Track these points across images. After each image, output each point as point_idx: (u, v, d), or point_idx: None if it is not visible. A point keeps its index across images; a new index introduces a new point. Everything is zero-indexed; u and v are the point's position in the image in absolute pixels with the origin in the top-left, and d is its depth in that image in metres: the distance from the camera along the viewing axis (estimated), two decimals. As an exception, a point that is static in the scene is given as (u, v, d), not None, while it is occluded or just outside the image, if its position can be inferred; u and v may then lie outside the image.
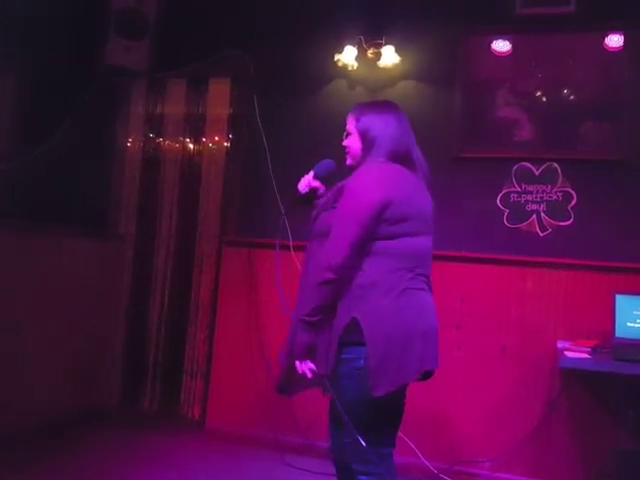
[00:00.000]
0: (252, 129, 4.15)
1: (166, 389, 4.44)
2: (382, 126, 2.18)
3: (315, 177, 2.36)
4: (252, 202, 4.18)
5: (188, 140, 4.52)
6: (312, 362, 2.06)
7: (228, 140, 4.40)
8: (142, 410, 4.41)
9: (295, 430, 3.79)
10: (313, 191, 2.36)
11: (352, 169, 2.22)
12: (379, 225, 2.02)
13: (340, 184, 2.16)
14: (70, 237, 4.10)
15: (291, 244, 3.66)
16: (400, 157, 2.15)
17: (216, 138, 4.43)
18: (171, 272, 4.48)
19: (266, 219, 3.88)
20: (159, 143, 4.59)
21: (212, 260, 4.34)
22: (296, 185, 2.40)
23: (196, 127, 4.48)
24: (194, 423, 4.23)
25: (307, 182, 2.36)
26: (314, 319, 2.02)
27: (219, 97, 4.39)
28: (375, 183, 2.06)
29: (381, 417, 2.06)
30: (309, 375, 2.06)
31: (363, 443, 1.99)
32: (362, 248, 2.02)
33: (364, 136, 2.19)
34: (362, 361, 1.98)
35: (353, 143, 2.24)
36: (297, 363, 2.07)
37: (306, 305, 2.05)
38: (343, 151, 2.28)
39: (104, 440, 3.85)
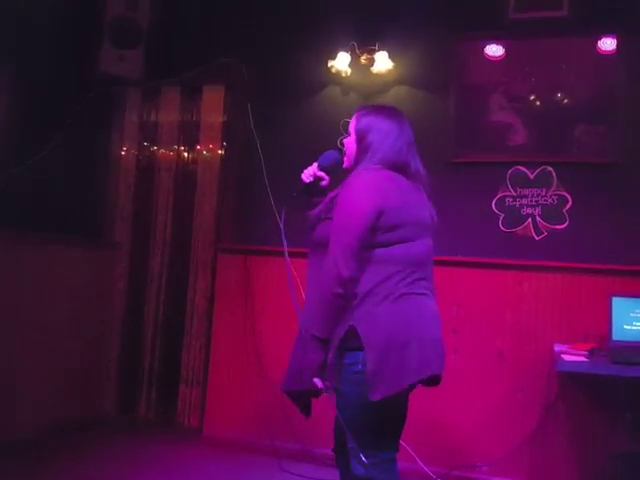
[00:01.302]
0: (246, 136, 4.15)
1: (163, 397, 4.43)
2: (380, 133, 2.13)
3: (320, 169, 2.29)
4: (247, 209, 4.17)
5: (182, 148, 4.53)
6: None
7: (222, 147, 4.41)
8: (139, 418, 4.40)
9: (292, 436, 3.77)
10: (317, 181, 2.29)
11: (347, 172, 2.19)
12: (374, 234, 2.00)
13: (333, 193, 2.12)
14: (65, 245, 4.09)
15: (286, 250, 3.65)
16: (396, 166, 2.11)
17: (210, 145, 4.43)
18: (166, 280, 4.47)
19: (261, 226, 3.88)
20: (153, 151, 4.59)
21: (207, 267, 4.33)
22: (295, 185, 2.34)
23: (190, 135, 4.49)
24: (191, 431, 4.22)
25: (312, 172, 2.29)
26: (325, 335, 1.99)
27: (213, 104, 4.39)
28: (367, 192, 2.02)
29: (381, 421, 2.04)
30: (324, 389, 2.02)
31: (364, 459, 1.98)
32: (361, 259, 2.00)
33: (360, 139, 2.16)
34: (360, 366, 1.97)
35: (350, 144, 2.21)
36: (315, 381, 2.01)
37: (316, 321, 2.00)
38: (338, 146, 2.27)
39: (101, 449, 3.83)
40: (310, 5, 4.07)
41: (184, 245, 4.44)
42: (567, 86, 3.68)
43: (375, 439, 2.04)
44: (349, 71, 3.93)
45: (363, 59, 3.89)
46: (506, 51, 3.79)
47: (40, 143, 3.84)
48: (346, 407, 2.02)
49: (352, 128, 2.21)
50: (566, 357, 3.01)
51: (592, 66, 3.66)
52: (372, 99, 3.91)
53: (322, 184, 2.30)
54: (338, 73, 3.93)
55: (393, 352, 1.95)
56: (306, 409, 2.25)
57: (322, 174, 2.29)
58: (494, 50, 3.80)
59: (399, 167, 2.11)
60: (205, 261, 4.35)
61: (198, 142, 4.47)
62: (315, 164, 2.30)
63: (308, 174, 2.29)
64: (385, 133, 2.14)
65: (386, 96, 3.93)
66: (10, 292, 3.64)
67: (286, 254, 2.21)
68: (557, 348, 3.23)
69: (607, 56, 3.61)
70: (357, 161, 2.15)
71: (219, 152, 4.42)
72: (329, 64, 3.90)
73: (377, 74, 3.88)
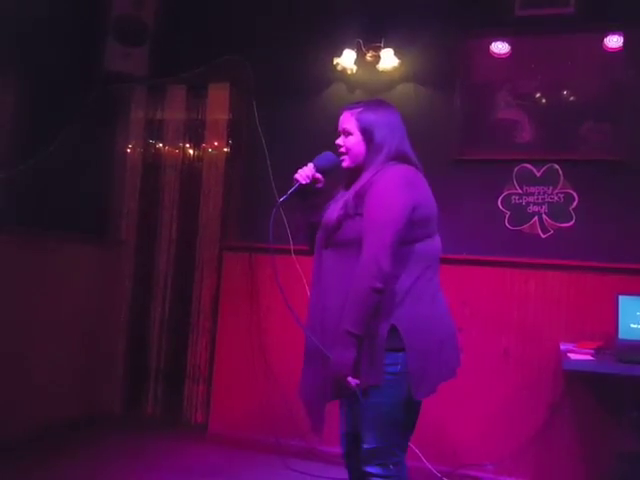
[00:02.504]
0: (252, 134, 4.15)
1: (168, 394, 4.44)
2: (386, 128, 2.13)
3: (316, 170, 2.22)
4: (252, 207, 4.17)
5: (188, 146, 4.52)
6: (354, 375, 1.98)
7: (228, 145, 4.40)
8: (145, 415, 4.40)
9: (297, 434, 3.77)
10: (313, 182, 2.23)
11: (351, 171, 2.16)
12: (410, 229, 2.00)
13: (355, 188, 2.07)
14: (71, 244, 4.10)
15: (292, 247, 3.66)
16: (406, 158, 2.12)
17: (216, 143, 4.42)
18: (172, 277, 4.47)
19: (267, 224, 3.86)
20: (159, 149, 4.59)
21: (213, 265, 4.33)
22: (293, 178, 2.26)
23: (196, 133, 4.48)
24: (197, 428, 4.22)
25: (308, 173, 2.20)
26: (362, 331, 1.94)
27: (219, 102, 4.38)
28: (401, 186, 2.01)
29: (412, 420, 2.10)
30: (358, 389, 1.97)
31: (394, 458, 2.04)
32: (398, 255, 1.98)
33: (369, 138, 2.12)
34: (399, 367, 1.98)
35: (355, 144, 2.15)
36: (350, 380, 1.95)
37: (351, 318, 1.94)
38: (337, 150, 2.19)
39: (107, 445, 3.85)
40: (316, 2, 4.07)
41: (190, 243, 4.44)
42: (573, 83, 3.66)
43: (402, 439, 2.09)
44: (355, 68, 3.92)
45: (369, 56, 3.88)
46: (512, 48, 3.77)
47: (46, 141, 3.85)
48: (379, 407, 2.01)
49: (353, 127, 2.15)
50: (572, 356, 3.00)
51: (598, 63, 3.64)
52: (378, 96, 3.87)
53: (318, 186, 2.24)
54: (344, 70, 3.93)
55: (433, 352, 2.01)
56: (320, 423, 2.14)
57: (319, 176, 2.23)
58: (500, 47, 3.79)
59: (405, 159, 2.12)
60: (211, 259, 4.35)
61: (203, 140, 4.46)
62: (310, 165, 2.22)
63: (304, 175, 2.20)
64: (390, 128, 2.14)
65: (392, 93, 3.92)
66: (16, 290, 3.65)
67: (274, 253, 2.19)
68: (563, 346, 3.22)
69: (614, 53, 3.60)
70: (370, 159, 2.11)
71: (224, 150, 4.41)
72: (335, 61, 3.89)
73: (383, 71, 3.88)
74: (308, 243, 2.32)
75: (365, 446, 2.06)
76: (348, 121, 2.18)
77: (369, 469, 2.07)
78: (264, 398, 3.94)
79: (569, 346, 3.20)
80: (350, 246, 2.02)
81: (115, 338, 4.47)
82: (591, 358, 2.98)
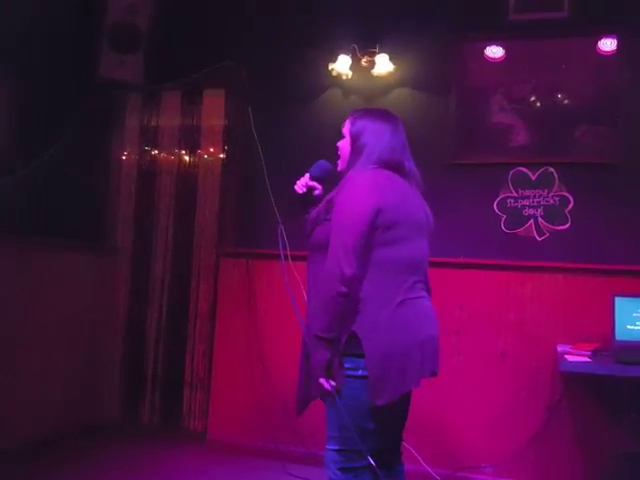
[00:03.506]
0: (247, 140, 4.15)
1: (166, 401, 4.42)
2: (375, 134, 2.15)
3: (311, 179, 2.31)
4: (249, 213, 4.17)
5: (184, 152, 4.52)
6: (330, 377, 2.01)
7: (224, 151, 4.41)
8: (142, 423, 4.39)
9: (296, 440, 3.77)
10: (310, 191, 2.31)
11: (342, 174, 2.20)
12: (373, 232, 2.00)
13: (330, 195, 2.13)
14: (67, 250, 4.09)
15: (289, 254, 3.65)
16: (391, 166, 2.12)
17: (211, 149, 4.43)
18: (169, 284, 4.47)
19: (263, 229, 3.87)
20: (155, 155, 4.59)
21: (210, 271, 4.33)
22: (292, 189, 2.36)
23: (191, 139, 4.49)
24: (195, 435, 4.21)
25: (304, 182, 2.30)
26: (331, 335, 1.97)
27: (214, 108, 4.39)
28: (364, 190, 2.02)
29: (378, 427, 2.04)
30: (331, 391, 2.00)
31: (373, 462, 1.99)
32: (363, 259, 1.99)
33: (354, 141, 2.17)
34: (360, 371, 1.98)
35: (344, 148, 2.23)
36: (322, 381, 1.99)
37: (320, 321, 1.98)
38: (337, 151, 2.27)
39: (105, 454, 3.83)
40: (310, 8, 4.07)
41: (186, 249, 4.43)
42: (568, 87, 3.68)
43: (366, 445, 2.01)
44: (350, 74, 3.93)
45: (364, 61, 3.89)
46: (506, 52, 3.79)
47: (41, 148, 3.84)
48: (340, 410, 2.01)
49: (346, 131, 2.23)
50: (569, 357, 3.02)
51: (593, 67, 3.66)
52: (373, 102, 3.91)
53: (316, 193, 2.33)
54: (339, 76, 3.94)
55: (394, 359, 1.97)
56: (300, 411, 2.21)
57: (314, 184, 2.32)
58: (494, 51, 3.80)
59: (394, 166, 2.13)
60: (207, 265, 4.35)
61: (199, 146, 4.47)
62: (307, 174, 2.32)
63: (301, 185, 2.31)
64: (379, 134, 2.16)
65: (387, 98, 3.94)
66: (12, 296, 3.64)
67: (285, 268, 2.20)
68: (560, 348, 3.23)
69: (607, 57, 3.61)
70: (351, 162, 2.16)
71: (220, 156, 4.42)
72: (330, 67, 3.90)
73: (378, 76, 3.89)
74: None
75: (327, 447, 2.09)
76: (346, 125, 2.25)
77: (328, 472, 2.09)
78: (263, 404, 3.94)
79: (566, 348, 3.21)
80: (320, 250, 2.06)
81: (112, 345, 4.46)
82: (588, 360, 2.99)
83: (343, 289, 1.94)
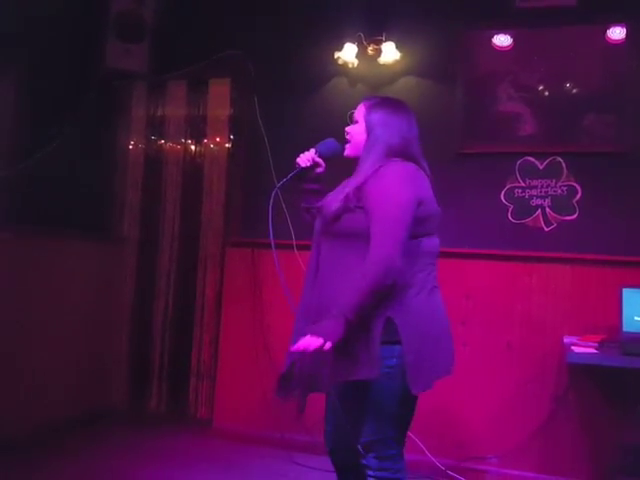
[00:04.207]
0: (253, 129, 4.14)
1: (173, 390, 4.45)
2: (392, 127, 2.13)
3: (318, 155, 2.27)
4: (255, 202, 4.15)
5: (189, 141, 4.52)
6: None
7: (229, 141, 4.39)
8: (149, 411, 4.41)
9: (302, 428, 3.78)
10: (313, 167, 2.27)
11: (349, 160, 2.19)
12: (415, 224, 2.00)
13: (354, 182, 2.07)
14: (73, 240, 4.10)
15: (294, 242, 3.66)
16: (408, 158, 2.11)
17: (217, 139, 4.42)
18: (175, 274, 4.47)
19: (267, 209, 3.86)
20: (161, 145, 4.58)
21: (216, 261, 4.33)
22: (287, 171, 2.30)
23: (197, 128, 4.48)
24: (201, 423, 4.23)
25: (310, 157, 2.26)
26: (357, 320, 1.91)
27: (219, 98, 4.38)
28: (405, 182, 2.02)
29: (409, 414, 2.10)
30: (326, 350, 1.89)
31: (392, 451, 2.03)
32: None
33: (371, 130, 2.14)
34: (395, 360, 1.98)
35: (358, 133, 2.19)
36: (322, 341, 1.85)
37: (352, 303, 1.90)
38: (344, 137, 2.23)
39: (111, 441, 3.87)
40: (316, -4, 4.05)
41: (192, 239, 4.44)
42: (576, 75, 3.64)
43: (398, 432, 2.09)
44: (356, 62, 3.91)
45: (370, 50, 3.87)
46: (514, 40, 3.75)
47: (47, 138, 3.84)
48: (375, 400, 2.02)
49: (361, 117, 2.19)
50: (576, 349, 3.01)
51: (601, 55, 3.61)
52: (379, 90, 3.89)
53: (318, 170, 2.29)
54: (345, 64, 3.91)
55: (430, 346, 2.01)
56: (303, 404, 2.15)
57: (320, 160, 2.27)
58: (502, 40, 3.76)
59: (410, 158, 2.12)
60: (214, 255, 4.35)
61: (205, 135, 4.46)
62: (312, 150, 2.28)
63: (305, 159, 2.26)
64: (396, 127, 2.14)
65: (393, 87, 3.91)
66: (18, 287, 3.66)
67: (273, 241, 2.19)
68: (567, 340, 3.22)
69: (616, 45, 3.57)
70: (367, 151, 2.13)
71: (226, 145, 4.41)
72: (336, 55, 3.87)
73: (384, 65, 3.86)
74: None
75: (362, 439, 2.07)
76: (359, 110, 2.22)
77: (366, 462, 2.08)
78: (268, 393, 3.94)
79: (573, 339, 3.19)
80: (349, 238, 2.04)
81: (119, 335, 4.48)
82: (595, 351, 2.98)
83: (389, 282, 1.92)
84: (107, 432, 4.02)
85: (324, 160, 2.28)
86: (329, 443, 2.28)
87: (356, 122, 2.21)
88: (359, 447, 2.08)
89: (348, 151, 2.23)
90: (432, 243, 2.11)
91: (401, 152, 2.11)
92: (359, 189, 2.04)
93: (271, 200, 2.19)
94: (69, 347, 4.04)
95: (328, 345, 1.85)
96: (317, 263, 2.16)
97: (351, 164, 2.19)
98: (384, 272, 1.91)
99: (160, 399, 4.45)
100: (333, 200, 2.11)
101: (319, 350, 1.85)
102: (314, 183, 2.31)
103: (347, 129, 2.23)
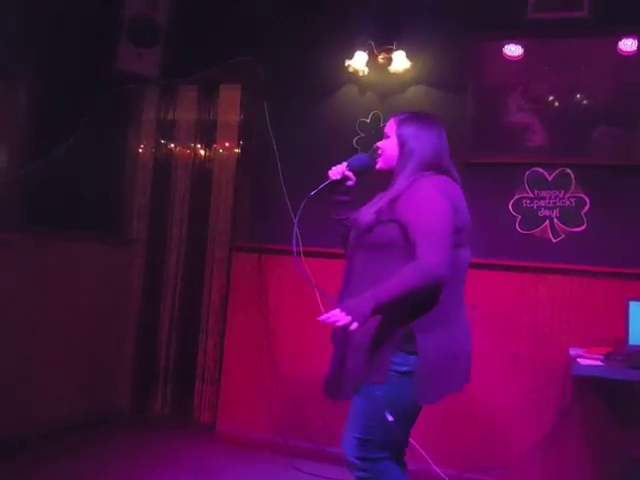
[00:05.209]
0: (263, 135, 4.15)
1: (177, 394, 4.46)
2: (423, 139, 2.18)
3: (349, 169, 2.34)
4: (263, 208, 4.17)
5: (199, 146, 4.54)
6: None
7: (239, 146, 4.41)
8: (153, 415, 4.42)
9: (304, 435, 3.77)
10: (344, 180, 2.34)
11: (383, 173, 2.24)
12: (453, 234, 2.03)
13: (389, 195, 2.10)
14: (82, 242, 4.12)
15: (301, 249, 3.66)
16: (441, 171, 2.15)
17: (227, 144, 4.44)
18: (182, 277, 4.49)
19: (277, 225, 3.88)
20: (170, 149, 4.61)
21: (223, 266, 4.34)
22: (310, 190, 2.33)
23: (207, 133, 4.50)
24: (205, 428, 4.23)
25: (340, 170, 2.32)
26: (382, 310, 1.92)
27: (230, 103, 4.40)
28: (442, 194, 2.05)
29: (407, 423, 2.12)
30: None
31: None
32: None
33: (403, 144, 2.19)
34: (406, 367, 2.00)
35: (389, 147, 2.23)
36: (350, 319, 1.87)
37: (387, 291, 1.91)
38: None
39: (115, 444, 3.86)
40: (327, 4, 4.06)
41: (200, 243, 4.46)
42: (587, 87, 3.63)
43: (390, 440, 2.09)
44: (366, 70, 3.91)
45: (380, 58, 3.87)
46: (525, 51, 3.75)
47: (58, 141, 3.87)
48: (374, 400, 2.04)
49: (392, 132, 2.24)
50: (582, 361, 2.99)
51: (612, 67, 3.61)
52: (389, 99, 3.90)
53: (348, 184, 2.35)
54: (355, 72, 3.92)
55: (445, 363, 2.03)
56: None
57: (350, 174, 2.34)
58: (513, 50, 3.76)
59: (443, 171, 2.16)
60: (220, 259, 4.36)
61: (215, 141, 4.48)
62: (344, 163, 2.35)
63: (336, 172, 2.33)
64: (428, 140, 2.18)
65: (403, 96, 3.92)
66: (27, 288, 3.68)
67: (297, 248, 2.22)
68: (573, 352, 3.21)
69: (628, 57, 3.56)
70: (401, 165, 2.17)
71: (235, 151, 4.43)
72: (346, 63, 3.88)
73: (394, 73, 3.86)
74: (341, 240, 2.38)
75: (352, 434, 2.10)
76: (390, 125, 2.27)
77: (349, 457, 2.11)
78: (272, 399, 3.95)
79: (579, 351, 3.17)
80: (379, 249, 2.08)
81: (124, 338, 4.49)
82: (601, 364, 2.96)
83: (432, 287, 1.96)
84: (110, 434, 4.02)
85: (355, 174, 2.34)
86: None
87: (387, 137, 2.26)
88: (345, 444, 2.13)
89: (380, 164, 2.28)
90: (464, 256, 2.12)
91: (434, 164, 2.15)
92: (393, 202, 2.08)
93: (299, 211, 2.25)
94: (74, 348, 4.05)
95: (354, 325, 1.87)
96: (349, 275, 2.20)
97: (383, 178, 2.25)
98: (430, 285, 1.94)
99: (164, 402, 4.46)
100: (367, 213, 2.16)
101: (345, 328, 1.88)
102: (344, 195, 2.37)
103: (378, 144, 2.29)
